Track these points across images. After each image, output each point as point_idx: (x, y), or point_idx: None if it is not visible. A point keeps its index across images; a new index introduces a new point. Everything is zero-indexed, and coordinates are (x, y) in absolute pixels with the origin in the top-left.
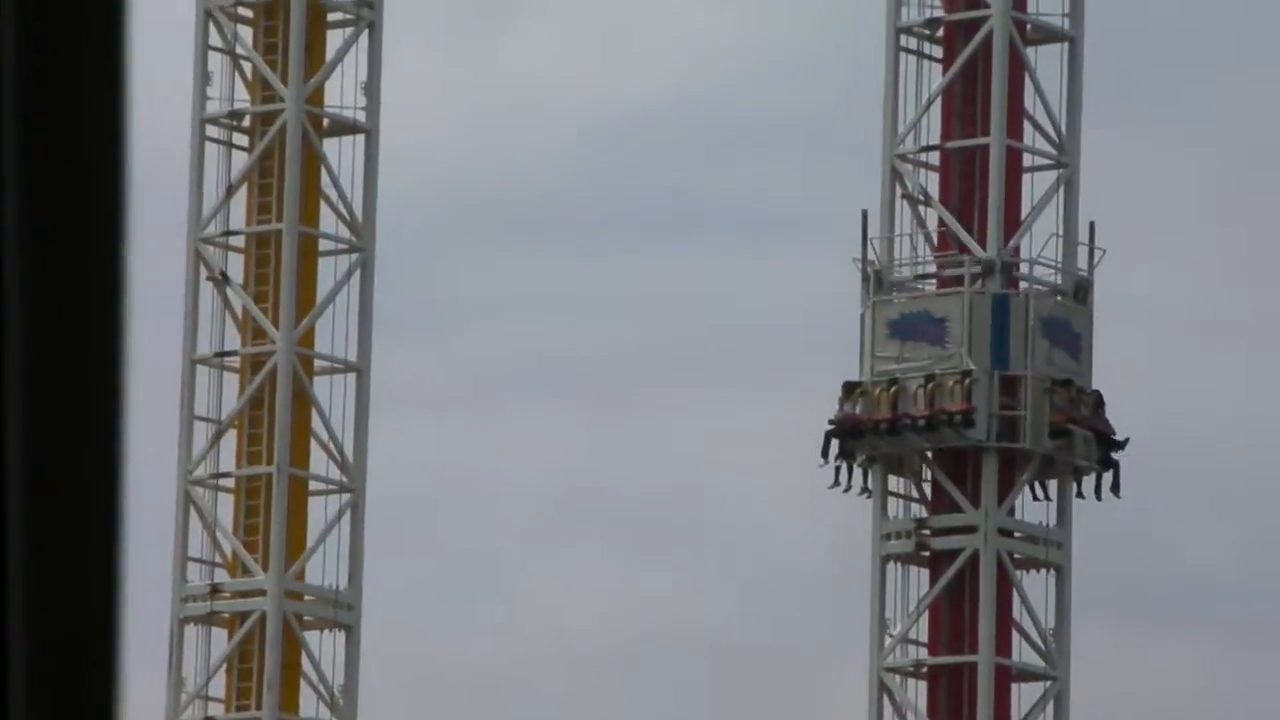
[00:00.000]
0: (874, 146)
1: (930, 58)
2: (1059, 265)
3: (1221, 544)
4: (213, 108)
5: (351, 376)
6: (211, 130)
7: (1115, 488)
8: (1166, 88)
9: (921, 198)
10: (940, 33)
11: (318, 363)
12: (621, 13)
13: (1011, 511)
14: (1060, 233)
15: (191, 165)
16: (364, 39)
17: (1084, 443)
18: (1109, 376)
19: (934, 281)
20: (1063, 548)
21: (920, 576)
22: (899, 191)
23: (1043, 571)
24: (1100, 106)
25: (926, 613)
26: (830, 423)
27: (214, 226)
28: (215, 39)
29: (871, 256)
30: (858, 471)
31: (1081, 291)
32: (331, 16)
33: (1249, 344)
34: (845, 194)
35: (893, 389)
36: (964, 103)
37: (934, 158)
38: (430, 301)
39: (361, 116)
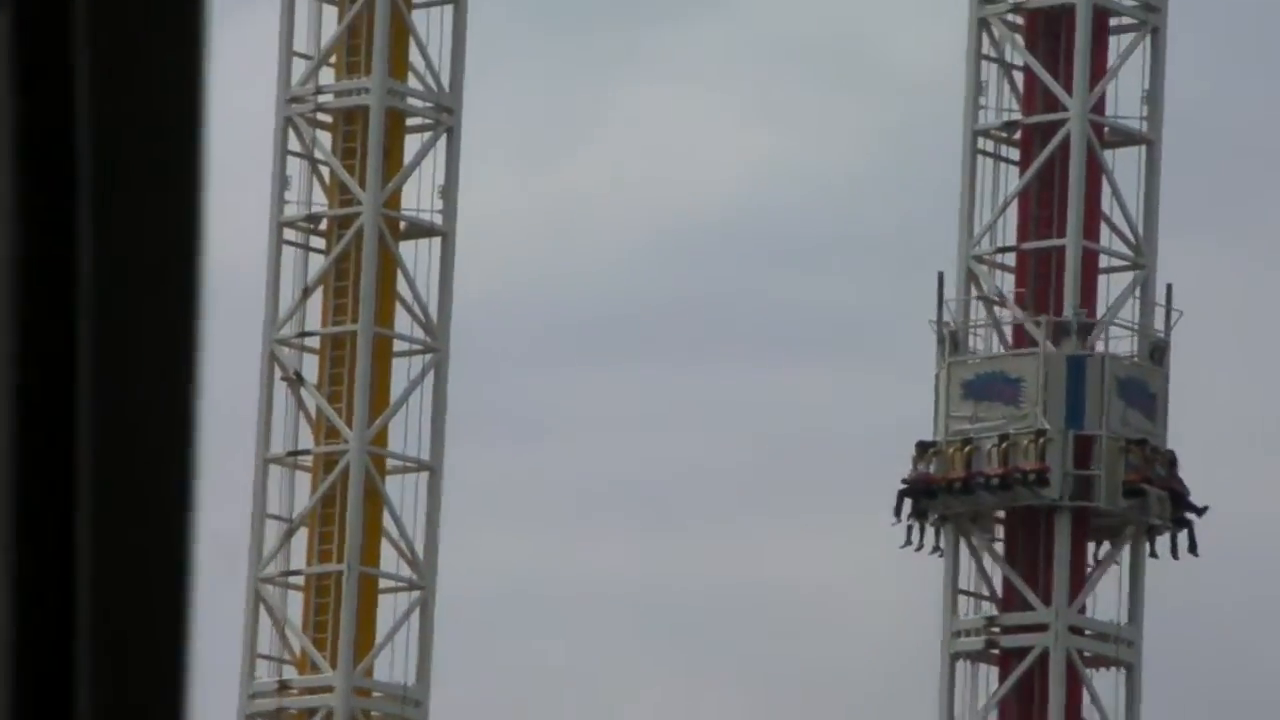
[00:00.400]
0: (950, 251)
1: (1008, 160)
2: (1136, 326)
3: None
4: (290, 211)
5: (424, 476)
6: (289, 233)
7: (1193, 548)
8: (1245, 193)
9: (997, 298)
10: (1018, 135)
11: (390, 462)
12: (692, 128)
13: (1082, 610)
14: (1137, 321)
15: (268, 268)
16: (442, 143)
17: (1158, 502)
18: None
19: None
20: (1134, 646)
21: (990, 674)
22: (974, 293)
23: (1113, 669)
24: (1179, 210)
25: (996, 710)
26: (904, 482)
27: (289, 328)
28: (294, 144)
29: (947, 318)
30: (929, 530)
31: (1158, 353)
32: (410, 122)
33: None
34: (918, 304)
35: (967, 448)
36: (1040, 206)
37: (1010, 259)
38: (505, 406)
39: (438, 220)
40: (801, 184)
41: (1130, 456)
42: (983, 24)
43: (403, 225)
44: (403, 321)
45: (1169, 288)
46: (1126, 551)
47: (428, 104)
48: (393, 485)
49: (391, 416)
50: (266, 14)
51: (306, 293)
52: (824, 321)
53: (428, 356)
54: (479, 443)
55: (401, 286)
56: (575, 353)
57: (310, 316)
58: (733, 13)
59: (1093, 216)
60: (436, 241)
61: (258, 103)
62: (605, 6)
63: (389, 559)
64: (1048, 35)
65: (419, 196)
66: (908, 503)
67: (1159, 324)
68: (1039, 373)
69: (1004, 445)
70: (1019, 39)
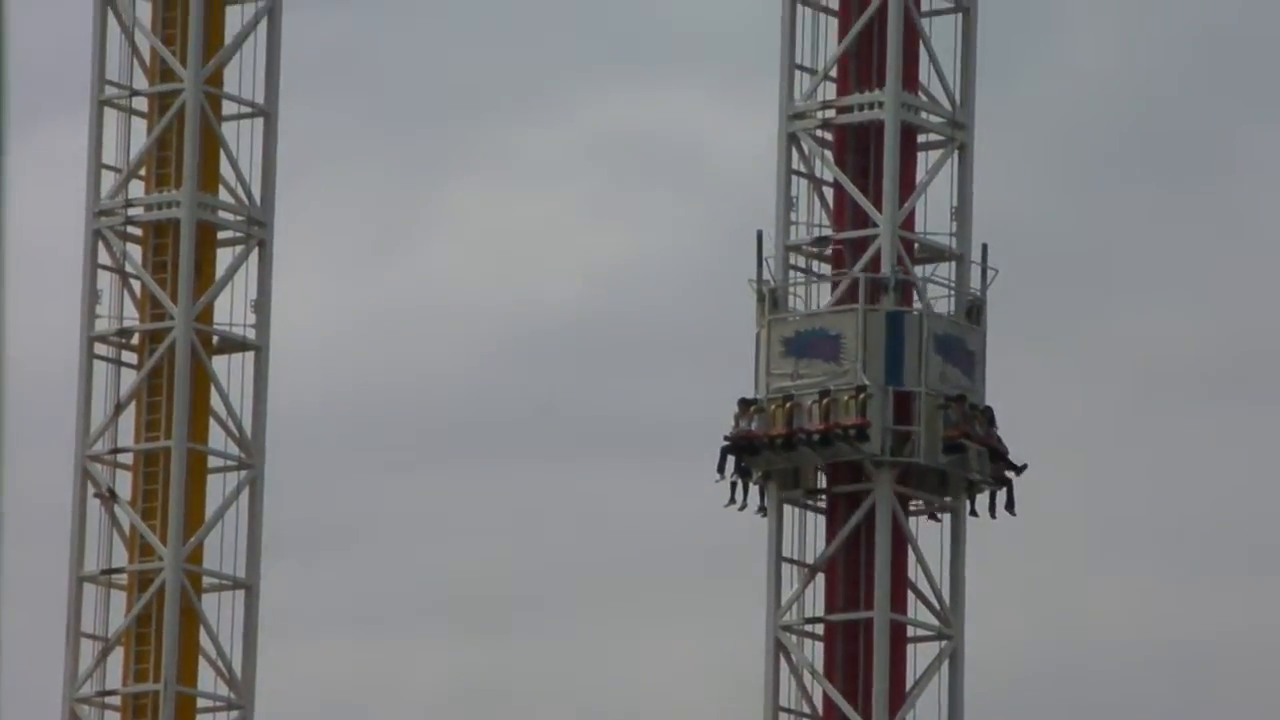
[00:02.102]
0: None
1: (821, 276)
2: (952, 285)
3: None
4: (102, 325)
5: (241, 593)
6: (100, 348)
7: (1010, 505)
8: (1069, 307)
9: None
10: (829, 250)
11: (206, 579)
12: (516, 232)
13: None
14: (953, 279)
15: (80, 383)
16: (254, 256)
17: (978, 457)
18: None
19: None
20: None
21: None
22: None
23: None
24: (1004, 331)
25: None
26: (726, 438)
27: (102, 444)
28: (104, 257)
29: (766, 276)
30: (754, 490)
31: (974, 312)
32: (222, 235)
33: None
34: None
35: (788, 405)
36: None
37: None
38: (322, 519)
39: (251, 334)
40: (631, 286)
41: (949, 413)
42: (792, 139)
43: (215, 339)
44: (217, 437)
45: (984, 247)
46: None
47: (239, 217)
48: (209, 603)
49: (207, 533)
50: (75, 126)
51: (119, 408)
52: (656, 425)
53: (243, 472)
54: (297, 556)
55: (215, 401)
56: (392, 462)
57: (123, 432)
58: (559, 114)
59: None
60: (250, 356)
61: (67, 216)
62: (426, 110)
63: (207, 678)
64: (857, 150)
65: (232, 310)
66: (730, 459)
67: (975, 283)
68: (858, 329)
69: (825, 401)
70: (828, 154)
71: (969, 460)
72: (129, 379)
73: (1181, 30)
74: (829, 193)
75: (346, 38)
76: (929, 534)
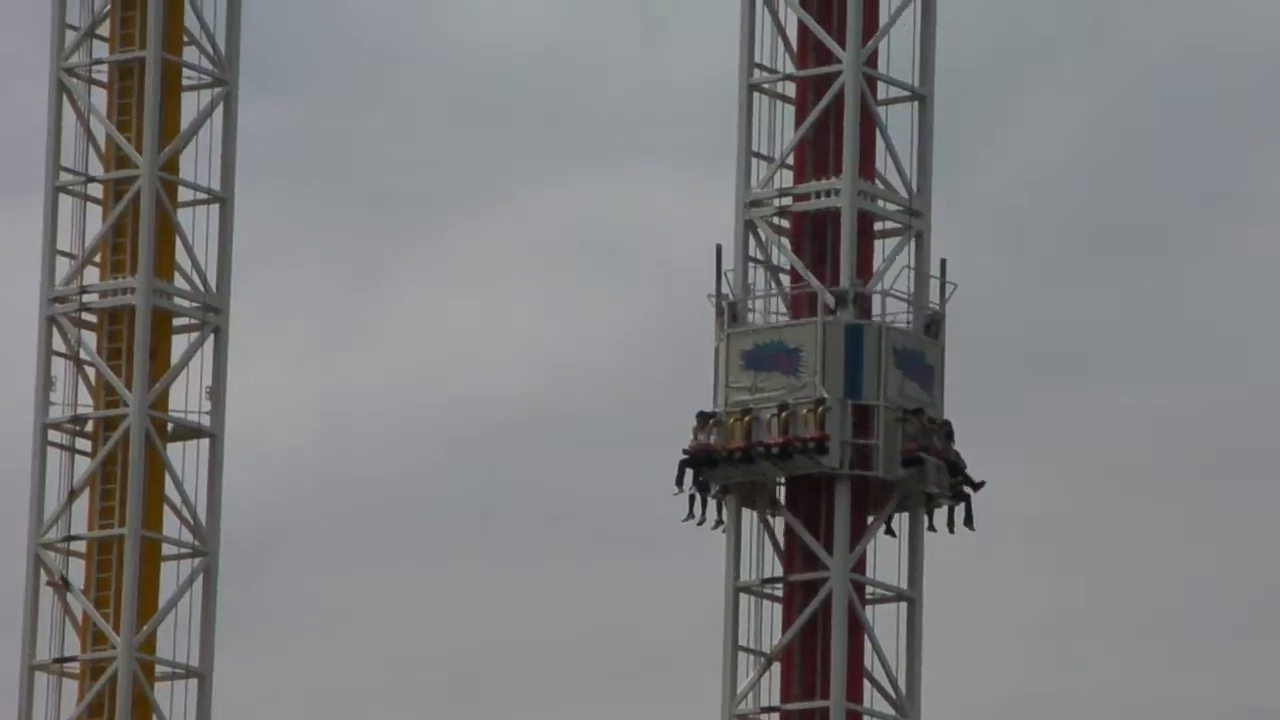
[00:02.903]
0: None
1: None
2: (910, 298)
3: None
4: (56, 412)
5: (194, 682)
6: (54, 435)
7: (969, 521)
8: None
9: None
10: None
11: (159, 668)
12: (467, 322)
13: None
14: (912, 265)
15: (34, 470)
16: (209, 343)
17: (936, 470)
18: None
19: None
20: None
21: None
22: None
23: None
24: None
25: None
26: (684, 452)
27: (55, 531)
28: (59, 344)
29: (726, 290)
30: (711, 504)
31: (933, 327)
32: (177, 321)
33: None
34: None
35: (746, 418)
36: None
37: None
38: (276, 608)
39: (206, 421)
40: (581, 379)
41: (908, 426)
42: (749, 226)
43: (170, 426)
44: (171, 524)
45: (943, 262)
46: (906, 520)
47: (194, 303)
48: (162, 692)
49: (160, 621)
50: (29, 212)
51: (73, 495)
52: (611, 516)
53: (196, 560)
54: (251, 646)
55: (170, 488)
56: (349, 551)
57: (77, 519)
58: (507, 210)
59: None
60: (205, 443)
61: (21, 302)
62: (378, 201)
63: None
64: (814, 238)
65: (187, 397)
66: (689, 473)
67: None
68: (817, 342)
69: (783, 415)
70: (785, 241)
71: (927, 473)
72: (83, 466)
73: (1136, 120)
74: (786, 279)
75: (302, 127)
76: (886, 619)
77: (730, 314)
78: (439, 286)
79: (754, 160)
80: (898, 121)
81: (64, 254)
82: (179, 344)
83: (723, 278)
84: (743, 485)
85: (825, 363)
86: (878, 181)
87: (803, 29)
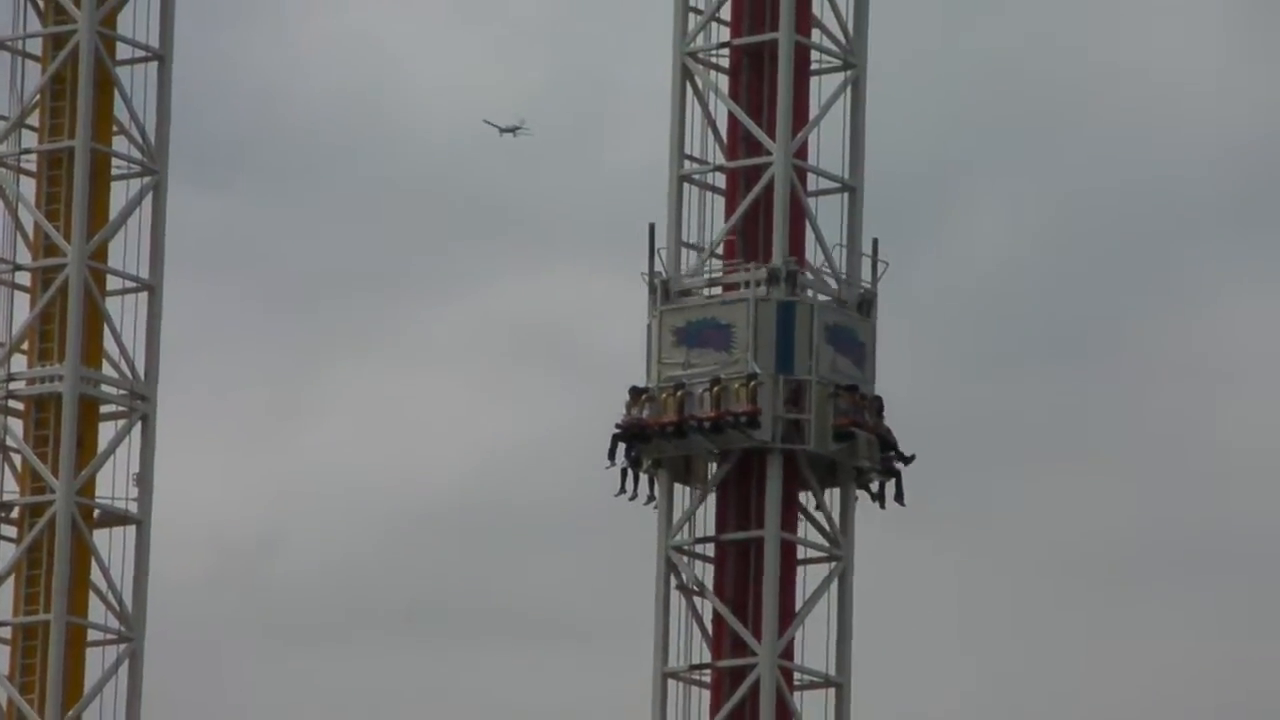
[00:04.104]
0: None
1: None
2: (844, 276)
3: None
4: None
5: None
6: None
7: (899, 496)
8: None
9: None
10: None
11: None
12: (409, 410)
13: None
14: (844, 243)
15: None
16: (137, 430)
17: (867, 445)
18: None
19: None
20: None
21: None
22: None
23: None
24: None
25: None
26: (617, 426)
27: None
28: None
29: (658, 267)
30: (644, 479)
31: (865, 305)
32: (104, 409)
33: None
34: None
35: (679, 393)
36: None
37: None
38: (204, 695)
39: (133, 507)
40: (519, 469)
41: (840, 401)
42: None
43: (97, 513)
44: (96, 610)
45: (875, 242)
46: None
47: (122, 391)
48: None
49: (85, 707)
50: None
51: None
52: (555, 606)
53: (122, 646)
54: None
55: (96, 575)
56: (278, 640)
57: (1, 606)
58: (453, 298)
59: None
60: (131, 530)
61: None
62: (310, 288)
63: None
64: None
65: (114, 484)
66: (621, 447)
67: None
68: (750, 318)
69: (716, 390)
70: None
71: (859, 448)
72: (8, 552)
73: (1065, 214)
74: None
75: (231, 215)
76: (814, 705)
77: (663, 292)
78: (370, 373)
79: (683, 250)
80: (828, 212)
81: None
82: (106, 431)
83: (655, 255)
84: (675, 460)
85: (757, 338)
86: (808, 272)
87: (733, 120)
